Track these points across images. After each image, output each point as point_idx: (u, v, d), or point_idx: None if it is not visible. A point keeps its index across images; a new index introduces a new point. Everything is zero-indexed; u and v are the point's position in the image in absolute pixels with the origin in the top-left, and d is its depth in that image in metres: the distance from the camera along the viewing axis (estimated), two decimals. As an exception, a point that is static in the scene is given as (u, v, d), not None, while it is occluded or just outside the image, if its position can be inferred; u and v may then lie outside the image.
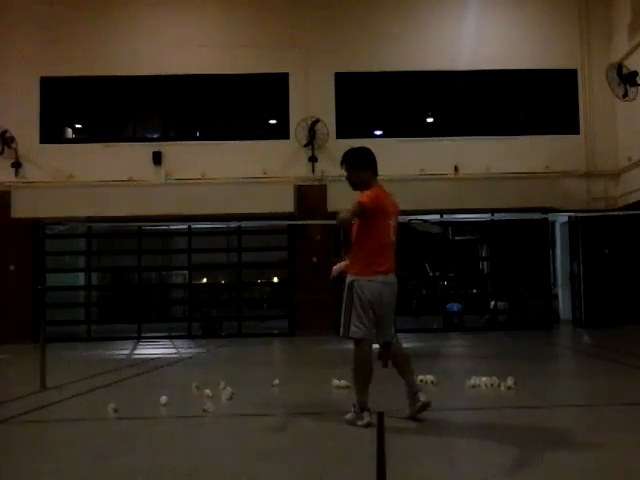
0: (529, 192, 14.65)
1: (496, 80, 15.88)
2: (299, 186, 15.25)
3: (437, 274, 16.57)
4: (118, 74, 15.74)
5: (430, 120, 16.68)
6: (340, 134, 15.39)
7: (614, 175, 15.31)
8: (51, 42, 15.58)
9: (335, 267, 5.34)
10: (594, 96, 15.37)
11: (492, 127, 15.78)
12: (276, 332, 15.90)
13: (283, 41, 15.57)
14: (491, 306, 16.41)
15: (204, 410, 5.42)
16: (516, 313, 16.32)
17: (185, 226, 15.93)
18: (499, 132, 15.57)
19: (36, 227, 13.37)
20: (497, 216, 15.01)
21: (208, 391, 6.11)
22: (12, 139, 15.24)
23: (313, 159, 15.19)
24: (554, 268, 17.59)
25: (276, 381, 6.91)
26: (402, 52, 15.56)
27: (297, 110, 15.39)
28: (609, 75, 13.16)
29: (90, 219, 14.31)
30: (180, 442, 4.59)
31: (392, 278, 4.90)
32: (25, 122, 15.45)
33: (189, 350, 12.22)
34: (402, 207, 5.22)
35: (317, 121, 15.07)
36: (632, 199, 14.39)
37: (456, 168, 15.12)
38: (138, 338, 15.12)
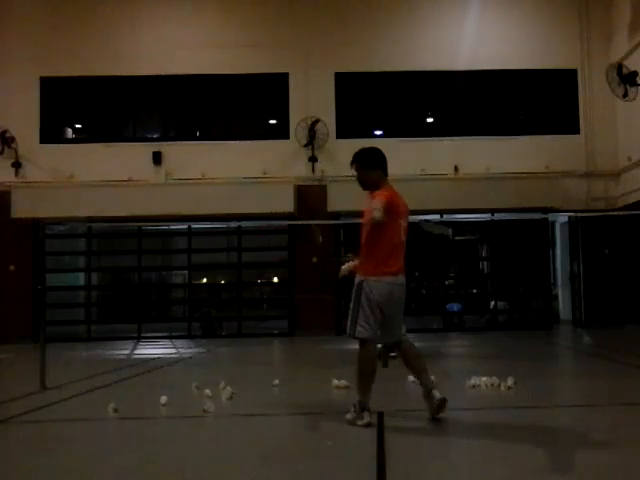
0: (529, 192, 14.64)
1: (496, 80, 15.87)
2: (299, 186, 15.25)
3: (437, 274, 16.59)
4: (118, 74, 15.74)
5: (430, 120, 16.68)
6: (340, 134, 15.40)
7: (614, 175, 15.31)
8: (51, 42, 15.59)
9: (344, 267, 5.33)
10: (594, 96, 15.37)
11: (492, 127, 15.77)
12: (276, 332, 15.91)
13: (283, 41, 15.58)
14: (491, 306, 16.41)
15: (204, 410, 5.42)
16: (516, 313, 16.32)
17: (185, 226, 15.93)
18: (499, 132, 15.56)
19: (36, 227, 13.37)
20: (497, 216, 15.01)
21: (208, 391, 6.11)
22: (12, 139, 15.24)
23: (313, 159, 15.19)
24: (554, 268, 17.59)
25: (276, 381, 6.91)
26: (402, 52, 15.56)
27: (297, 110, 15.39)
28: (609, 75, 13.16)
29: (90, 219, 14.31)
30: (180, 442, 4.59)
31: (401, 279, 4.89)
32: (25, 122, 15.45)
33: (189, 350, 12.22)
34: (402, 207, 5.20)
35: (317, 121, 15.07)
36: (632, 199, 14.38)
37: (456, 168, 15.12)
38: (138, 338, 15.12)
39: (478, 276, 18.23)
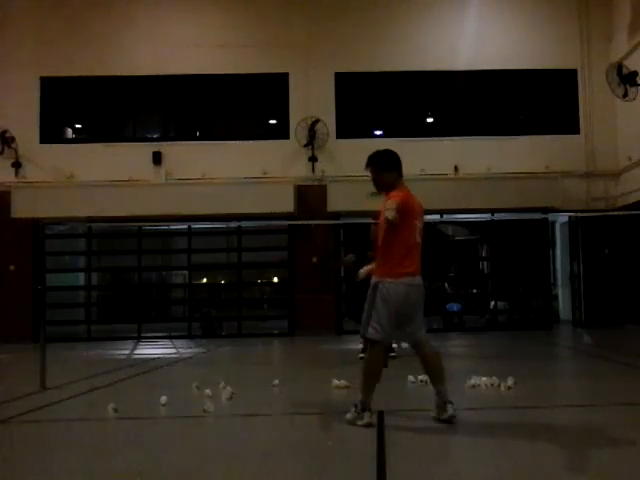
0: (529, 192, 14.64)
1: (496, 80, 15.87)
2: (299, 186, 15.25)
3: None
4: (118, 74, 15.74)
5: (430, 120, 16.68)
6: (340, 134, 15.40)
7: (614, 175, 15.31)
8: (51, 42, 15.58)
9: (362, 270, 5.35)
10: (594, 96, 15.37)
11: (492, 127, 15.77)
12: (276, 332, 15.91)
13: (283, 41, 15.57)
14: (491, 306, 16.42)
15: (204, 410, 5.42)
16: (516, 313, 16.33)
17: (185, 226, 15.93)
18: (499, 132, 15.56)
19: (36, 227, 13.38)
20: (497, 216, 15.01)
21: (208, 391, 6.11)
22: (12, 139, 15.24)
23: (313, 159, 15.19)
24: (554, 268, 17.59)
25: (276, 381, 6.91)
26: (402, 52, 15.56)
27: (297, 110, 15.39)
28: (609, 75, 13.16)
29: (90, 219, 14.31)
30: (180, 442, 4.59)
31: (418, 279, 4.86)
32: (25, 122, 15.44)
33: (189, 350, 12.22)
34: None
35: (317, 121, 15.07)
36: (632, 199, 14.38)
37: (456, 168, 15.12)
38: (138, 338, 15.12)
39: (478, 276, 18.23)
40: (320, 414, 5.43)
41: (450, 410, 4.74)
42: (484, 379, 6.45)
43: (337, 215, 14.76)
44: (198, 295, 19.02)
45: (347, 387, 6.55)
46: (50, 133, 15.86)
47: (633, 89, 13.13)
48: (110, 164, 15.22)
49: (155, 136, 16.49)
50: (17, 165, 15.33)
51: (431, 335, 4.95)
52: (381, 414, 5.05)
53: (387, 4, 15.71)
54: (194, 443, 4.48)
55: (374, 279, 4.87)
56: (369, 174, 5.06)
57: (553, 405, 5.84)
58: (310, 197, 15.10)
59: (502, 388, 6.28)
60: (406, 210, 4.76)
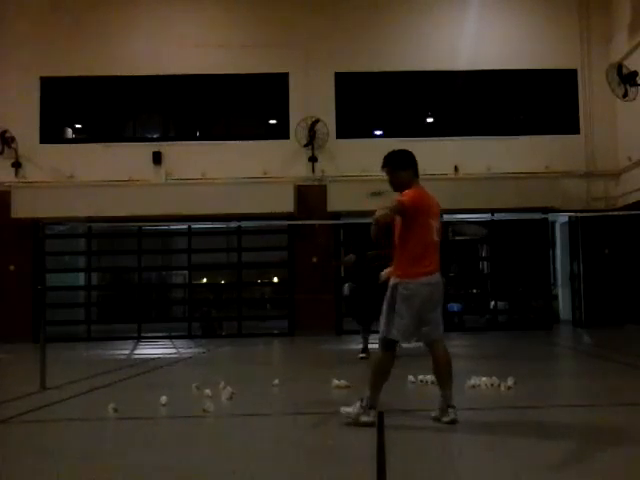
0: (529, 192, 14.63)
1: (496, 80, 15.87)
2: (299, 186, 15.25)
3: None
4: (118, 74, 15.74)
5: (430, 120, 16.68)
6: (340, 134, 15.40)
7: (614, 175, 15.30)
8: (51, 42, 15.58)
9: (383, 272, 5.35)
10: (594, 96, 15.36)
11: (492, 127, 15.77)
12: (276, 332, 15.90)
13: (283, 41, 15.57)
14: (491, 306, 16.41)
15: (204, 410, 5.42)
16: (516, 313, 16.32)
17: (185, 226, 15.93)
18: (499, 132, 15.56)
19: (36, 227, 13.36)
20: (497, 216, 15.01)
21: (208, 391, 6.11)
22: (12, 139, 15.23)
23: (313, 159, 15.19)
24: (554, 268, 17.59)
25: (276, 381, 6.91)
26: (402, 52, 15.56)
27: (297, 110, 15.39)
28: (609, 75, 13.16)
29: (90, 219, 14.31)
30: (180, 442, 4.59)
31: (437, 278, 4.83)
32: (25, 122, 15.44)
33: (189, 350, 12.22)
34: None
35: (317, 121, 15.06)
36: (632, 199, 14.38)
37: (456, 168, 15.12)
38: (138, 338, 15.12)
39: (478, 276, 18.22)
40: (320, 414, 5.42)
41: (452, 414, 4.73)
42: (484, 379, 6.45)
43: (337, 215, 14.76)
44: (198, 295, 19.03)
45: (347, 387, 6.55)
46: (50, 133, 15.86)
47: (633, 89, 13.12)
48: (110, 164, 15.22)
49: (155, 136, 16.49)
50: (17, 165, 15.33)
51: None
52: (381, 414, 5.05)
53: (387, 4, 15.71)
54: (194, 443, 4.48)
55: (393, 280, 4.83)
56: (385, 175, 5.02)
57: (553, 405, 5.85)
58: (310, 197, 15.10)
59: (502, 388, 6.28)
60: (418, 208, 4.73)
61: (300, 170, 15.31)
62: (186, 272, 18.58)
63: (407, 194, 4.80)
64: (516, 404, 5.76)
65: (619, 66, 13.20)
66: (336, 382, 6.64)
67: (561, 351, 11.70)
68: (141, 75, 15.79)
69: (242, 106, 16.50)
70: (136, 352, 12.46)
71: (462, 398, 5.97)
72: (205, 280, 21.98)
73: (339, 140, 15.32)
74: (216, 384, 6.38)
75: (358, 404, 4.75)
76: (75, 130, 16.91)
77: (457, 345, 12.33)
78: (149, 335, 15.35)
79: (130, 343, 14.25)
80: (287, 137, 15.40)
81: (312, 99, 15.39)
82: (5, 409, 5.87)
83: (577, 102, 15.65)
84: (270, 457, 4.11)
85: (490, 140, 15.35)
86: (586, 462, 3.84)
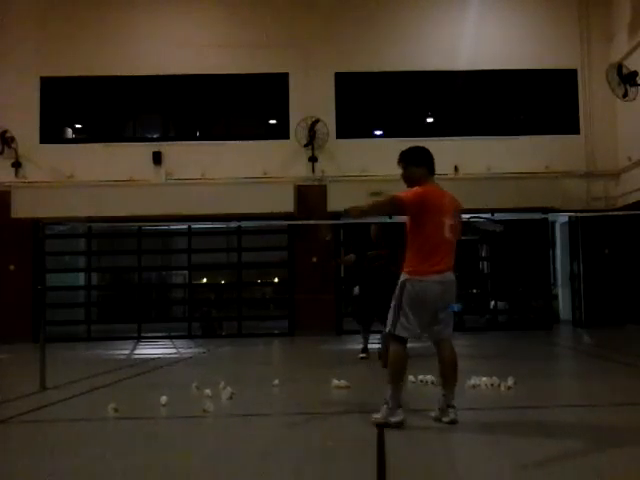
0: (529, 192, 14.64)
1: (496, 80, 15.87)
2: (299, 186, 15.25)
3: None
4: (118, 74, 15.74)
5: (430, 120, 16.68)
6: (340, 134, 15.40)
7: (614, 175, 15.30)
8: (51, 42, 15.58)
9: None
10: (594, 96, 15.36)
11: (492, 127, 15.77)
12: (276, 332, 15.90)
13: (283, 41, 15.57)
14: (491, 306, 16.40)
15: (204, 410, 5.42)
16: (516, 313, 16.32)
17: (185, 226, 15.93)
18: (499, 132, 15.56)
19: (36, 227, 13.36)
20: (497, 216, 14.96)
21: (208, 391, 6.11)
22: (12, 139, 15.23)
23: (313, 159, 15.19)
24: (554, 268, 17.58)
25: (276, 381, 6.90)
26: (402, 52, 15.55)
27: (297, 110, 15.39)
28: (609, 75, 13.15)
29: (90, 219, 14.31)
30: (180, 442, 4.59)
31: (448, 276, 4.76)
32: (25, 122, 15.44)
33: (189, 350, 12.22)
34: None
35: (317, 121, 15.06)
36: (632, 199, 14.38)
37: (456, 168, 15.12)
38: (138, 338, 15.12)
39: (478, 276, 18.22)
40: (320, 414, 5.42)
41: (452, 414, 4.72)
42: (484, 379, 6.44)
43: (337, 215, 14.75)
44: (198, 295, 19.03)
45: (347, 387, 6.55)
46: (50, 133, 15.86)
47: (633, 89, 13.12)
48: (110, 164, 15.22)
49: (155, 136, 16.49)
50: (17, 165, 15.33)
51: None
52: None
53: (387, 4, 15.71)
54: (194, 443, 4.48)
55: (402, 277, 4.79)
56: (400, 169, 5.01)
57: (553, 405, 5.84)
58: (310, 197, 15.10)
59: (502, 388, 6.27)
60: (422, 205, 4.70)
61: (300, 170, 15.31)
62: (186, 272, 18.59)
63: (411, 190, 4.79)
64: (516, 404, 5.75)
65: (619, 66, 13.19)
66: (336, 382, 6.64)
67: (561, 351, 11.70)
68: (141, 75, 15.78)
69: (242, 106, 16.50)
70: (136, 352, 12.46)
71: (462, 398, 5.96)
72: (205, 280, 22.00)
73: (339, 140, 15.32)
74: (216, 384, 6.38)
75: (385, 407, 4.66)
76: (75, 130, 16.91)
77: (457, 345, 12.29)
78: (149, 335, 15.35)
79: (130, 343, 14.24)
80: (287, 137, 15.40)
81: (312, 99, 15.39)
82: (5, 409, 5.87)
83: (577, 102, 15.65)
84: (270, 457, 4.11)
85: (490, 140, 15.35)
86: (586, 462, 3.83)
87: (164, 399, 5.79)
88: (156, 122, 16.85)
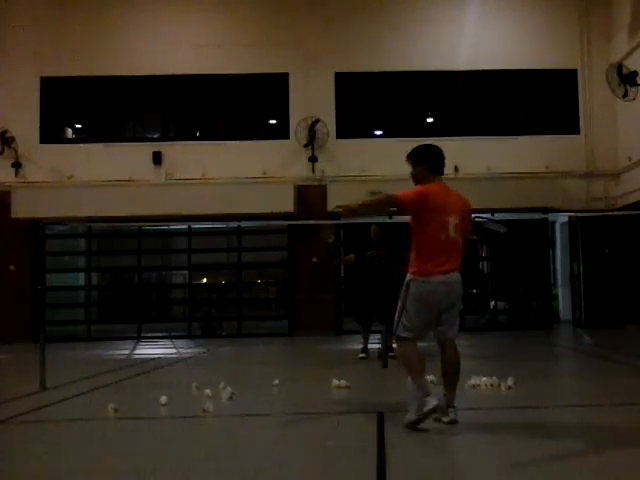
0: (529, 192, 14.64)
1: (496, 80, 15.87)
2: (299, 186, 15.25)
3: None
4: (118, 74, 15.73)
5: (430, 120, 16.68)
6: (340, 134, 15.40)
7: (614, 175, 15.30)
8: (51, 42, 15.58)
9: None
10: (594, 96, 15.36)
11: (492, 127, 15.77)
12: (276, 332, 15.89)
13: (283, 41, 15.56)
14: (491, 306, 16.40)
15: (204, 410, 5.41)
16: (516, 313, 16.32)
17: (185, 226, 15.93)
18: (499, 132, 15.55)
19: (36, 227, 13.35)
20: (497, 216, 14.96)
21: (208, 391, 6.10)
22: (12, 139, 15.23)
23: (313, 159, 15.19)
24: (554, 268, 17.58)
25: (276, 381, 6.90)
26: (402, 52, 15.55)
27: (297, 110, 15.38)
28: (609, 75, 13.15)
29: (90, 219, 14.32)
30: (180, 442, 4.59)
31: (453, 277, 4.71)
32: (25, 122, 15.43)
33: (189, 350, 12.22)
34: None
35: (317, 121, 15.06)
36: (632, 199, 14.38)
37: (456, 168, 15.08)
38: (138, 338, 15.12)
39: (478, 276, 18.22)
40: (320, 414, 5.42)
41: (452, 414, 4.71)
42: (484, 379, 6.43)
43: (337, 215, 14.73)
44: (198, 295, 19.03)
45: (347, 387, 6.55)
46: (50, 133, 15.86)
47: (633, 89, 13.12)
48: (110, 164, 15.22)
49: (155, 136, 16.50)
50: (17, 165, 15.32)
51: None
52: (381, 414, 5.05)
53: (387, 4, 15.70)
54: (194, 443, 4.48)
55: (407, 277, 4.76)
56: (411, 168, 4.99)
57: (553, 405, 5.84)
58: (310, 197, 15.10)
59: (502, 388, 6.27)
60: (422, 204, 4.66)
61: (300, 170, 15.31)
62: (186, 272, 18.59)
63: (412, 189, 4.76)
64: (516, 404, 5.75)
65: (619, 66, 13.19)
66: (336, 382, 6.63)
67: (561, 351, 11.70)
68: (141, 75, 15.78)
69: (242, 106, 16.50)
70: (136, 352, 12.46)
71: (462, 398, 5.96)
72: (205, 280, 22.00)
73: (339, 140, 15.32)
74: (216, 384, 6.38)
75: (414, 401, 4.58)
76: (75, 130, 16.91)
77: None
78: (149, 335, 15.34)
79: (130, 343, 14.24)
80: (287, 137, 15.40)
81: (312, 99, 15.39)
82: (5, 409, 5.87)
83: (577, 102, 15.64)
84: (270, 457, 4.11)
85: (490, 140, 15.35)
86: (586, 462, 3.83)
87: (164, 399, 5.78)
88: (156, 122, 16.85)
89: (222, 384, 6.31)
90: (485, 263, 18.48)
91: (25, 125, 15.44)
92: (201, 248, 16.62)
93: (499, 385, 6.33)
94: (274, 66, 15.63)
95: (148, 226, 16.24)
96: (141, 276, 16.67)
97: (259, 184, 15.08)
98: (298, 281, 15.28)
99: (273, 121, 16.63)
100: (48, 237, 12.51)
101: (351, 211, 4.79)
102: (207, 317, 16.85)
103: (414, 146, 5.10)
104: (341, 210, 4.78)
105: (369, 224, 9.30)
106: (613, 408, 5.45)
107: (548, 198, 14.69)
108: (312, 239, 14.70)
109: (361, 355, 9.22)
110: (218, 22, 15.89)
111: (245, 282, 17.20)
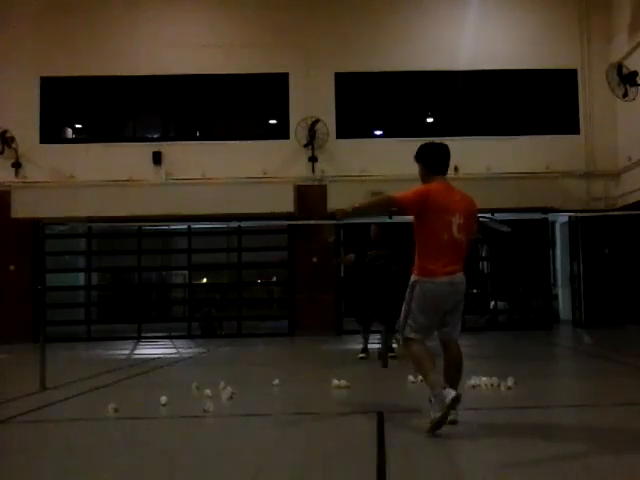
0: (529, 192, 14.64)
1: (496, 80, 15.87)
2: (299, 186, 15.25)
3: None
4: (118, 74, 15.73)
5: (430, 120, 16.67)
6: (340, 134, 15.39)
7: (614, 175, 15.30)
8: (51, 42, 15.57)
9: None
10: (594, 96, 15.35)
11: (492, 127, 15.76)
12: (276, 332, 15.89)
13: (283, 41, 15.56)
14: (491, 306, 16.39)
15: (204, 410, 5.42)
16: (516, 313, 16.31)
17: (185, 226, 15.93)
18: (499, 132, 15.55)
19: (36, 227, 13.34)
20: (497, 216, 14.92)
21: (208, 391, 6.10)
22: (12, 139, 15.22)
23: (313, 159, 15.18)
24: (554, 268, 17.58)
25: (276, 381, 6.90)
26: (402, 52, 15.55)
27: (297, 110, 15.38)
28: (609, 75, 13.15)
29: (90, 219, 14.31)
30: (180, 442, 4.59)
31: (458, 278, 4.70)
32: (25, 122, 15.43)
33: (189, 350, 12.22)
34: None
35: (317, 121, 15.06)
36: (632, 199, 14.38)
37: (456, 168, 15.02)
38: (138, 338, 15.12)
39: (478, 276, 18.21)
40: (320, 414, 5.43)
41: (452, 415, 4.71)
42: (484, 379, 6.44)
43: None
44: (198, 295, 19.03)
45: (347, 387, 6.55)
46: (50, 133, 15.86)
47: (633, 89, 13.12)
48: (110, 164, 15.21)
49: (155, 136, 16.49)
50: (17, 165, 15.32)
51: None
52: (381, 414, 5.05)
53: (388, 4, 15.70)
54: (194, 443, 4.48)
55: (412, 278, 4.75)
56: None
57: (553, 405, 5.85)
58: (310, 197, 15.10)
59: (502, 388, 6.27)
60: (423, 204, 4.63)
61: (300, 170, 15.31)
62: (186, 272, 18.59)
63: (412, 189, 4.74)
64: (516, 404, 5.75)
65: (619, 66, 13.19)
66: (336, 382, 6.63)
67: (561, 351, 11.70)
68: (141, 75, 15.77)
69: (242, 106, 16.50)
70: (136, 352, 12.46)
71: (462, 398, 5.97)
72: (205, 280, 22.00)
73: (339, 140, 15.32)
74: (216, 384, 6.38)
75: (433, 400, 4.48)
76: (75, 130, 16.91)
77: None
78: (149, 335, 15.34)
79: (130, 343, 14.24)
80: (287, 137, 15.40)
81: (312, 99, 15.39)
82: (5, 409, 5.87)
83: (577, 102, 15.64)
84: (270, 457, 4.11)
85: (490, 140, 15.34)
86: (586, 462, 3.83)
87: (164, 399, 5.79)
88: (156, 122, 16.85)
89: (222, 384, 6.32)
90: (485, 263, 18.47)
91: (25, 125, 15.44)
92: (201, 248, 16.62)
93: (499, 385, 6.33)
94: (274, 66, 15.63)
95: (148, 226, 16.24)
96: (141, 276, 16.68)
97: (259, 184, 15.08)
98: (298, 281, 15.28)
99: (273, 121, 16.63)
100: (48, 237, 12.48)
101: (345, 214, 4.76)
102: (207, 317, 16.85)
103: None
104: (336, 214, 4.76)
105: (369, 224, 9.31)
106: (613, 408, 5.45)
107: (548, 198, 14.69)
108: (312, 239, 14.67)
109: (361, 355, 9.22)
110: (218, 22, 15.88)
111: (245, 282, 17.20)
